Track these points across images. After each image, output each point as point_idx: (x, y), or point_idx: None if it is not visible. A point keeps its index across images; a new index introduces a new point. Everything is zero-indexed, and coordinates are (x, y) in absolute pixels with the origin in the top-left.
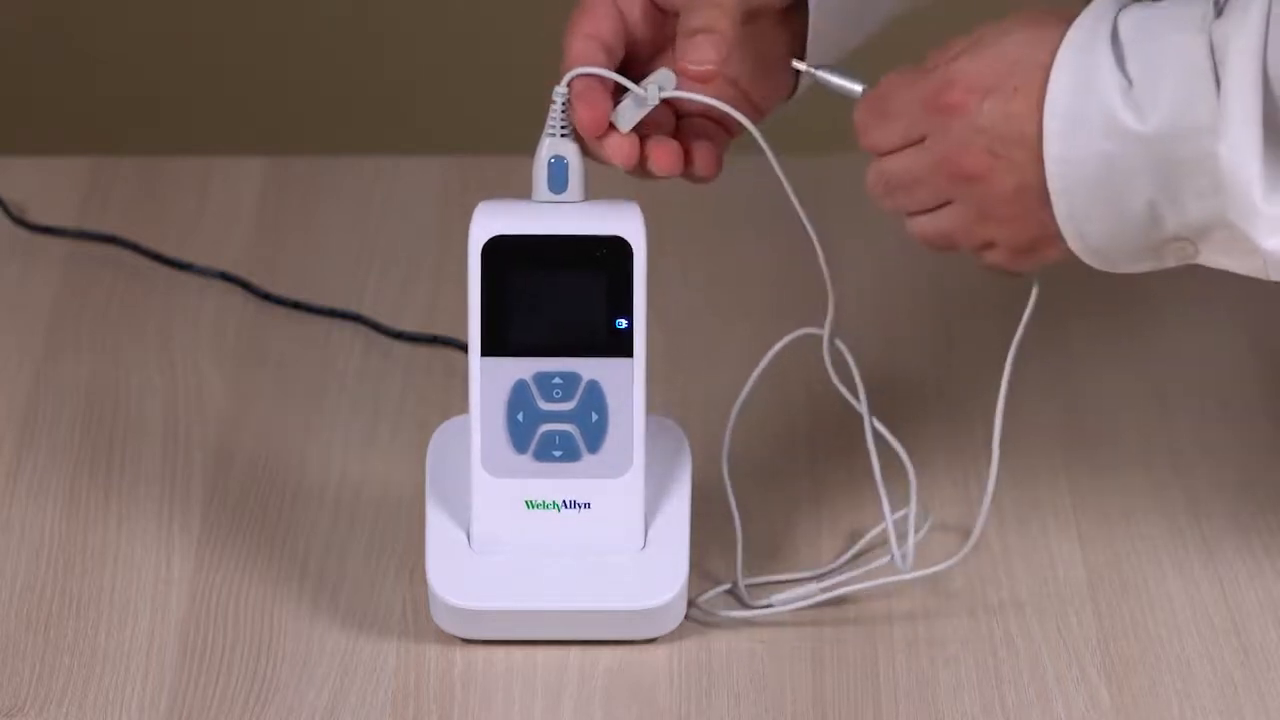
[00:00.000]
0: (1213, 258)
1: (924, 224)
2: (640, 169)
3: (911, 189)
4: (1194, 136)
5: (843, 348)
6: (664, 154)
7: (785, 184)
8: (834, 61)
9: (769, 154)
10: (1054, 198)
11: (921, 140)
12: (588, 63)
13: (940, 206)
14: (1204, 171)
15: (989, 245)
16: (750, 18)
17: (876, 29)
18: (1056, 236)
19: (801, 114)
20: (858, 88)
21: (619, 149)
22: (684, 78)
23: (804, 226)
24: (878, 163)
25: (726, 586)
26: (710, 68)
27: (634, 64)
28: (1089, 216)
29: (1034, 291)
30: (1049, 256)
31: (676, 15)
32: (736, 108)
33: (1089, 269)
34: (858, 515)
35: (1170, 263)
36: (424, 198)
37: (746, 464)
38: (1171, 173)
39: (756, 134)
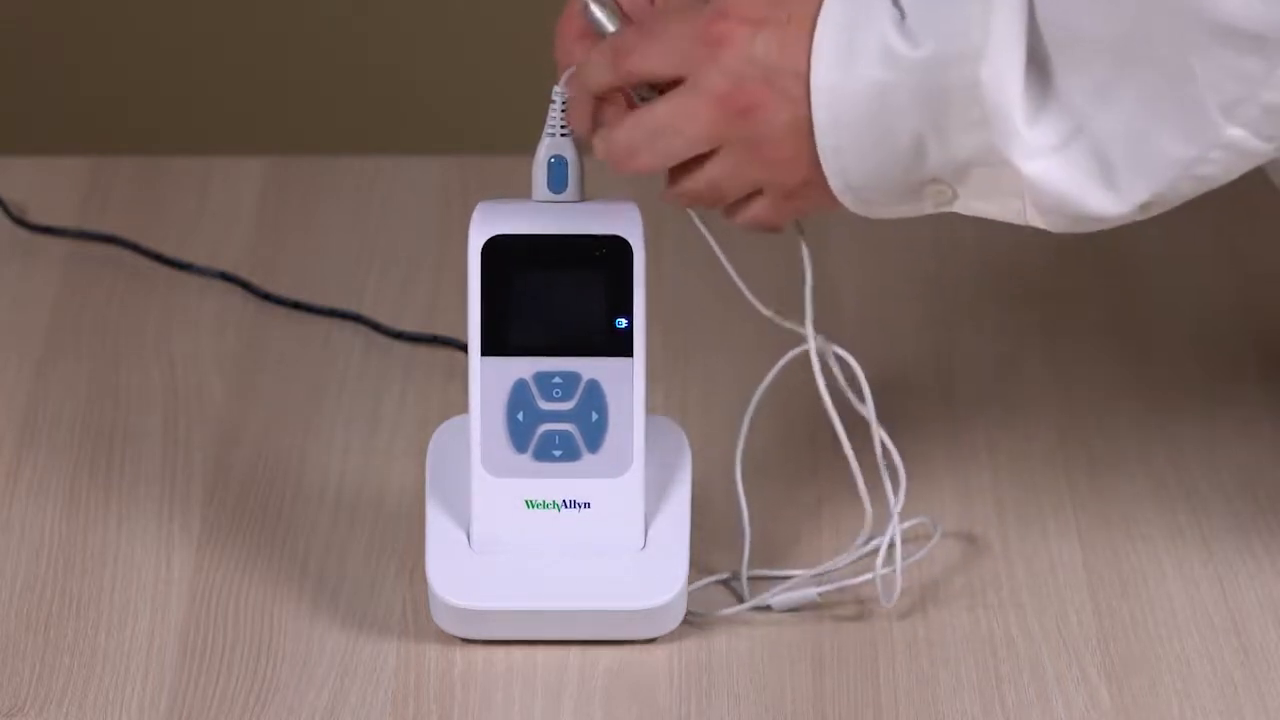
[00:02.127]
0: (971, 203)
1: (689, 181)
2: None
3: (678, 133)
4: (963, 62)
5: (847, 356)
6: None
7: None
8: None
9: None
10: (819, 131)
11: (683, 81)
12: (570, 60)
13: (706, 157)
14: (974, 101)
15: (756, 194)
16: None
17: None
18: (824, 178)
19: None
20: (611, 28)
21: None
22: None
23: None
24: (637, 111)
25: (725, 575)
26: None
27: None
28: (854, 150)
29: (806, 254)
30: (813, 201)
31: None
32: None
33: (1088, 269)
34: (859, 518)
35: (928, 208)
36: (424, 198)
37: (747, 464)
38: (941, 101)
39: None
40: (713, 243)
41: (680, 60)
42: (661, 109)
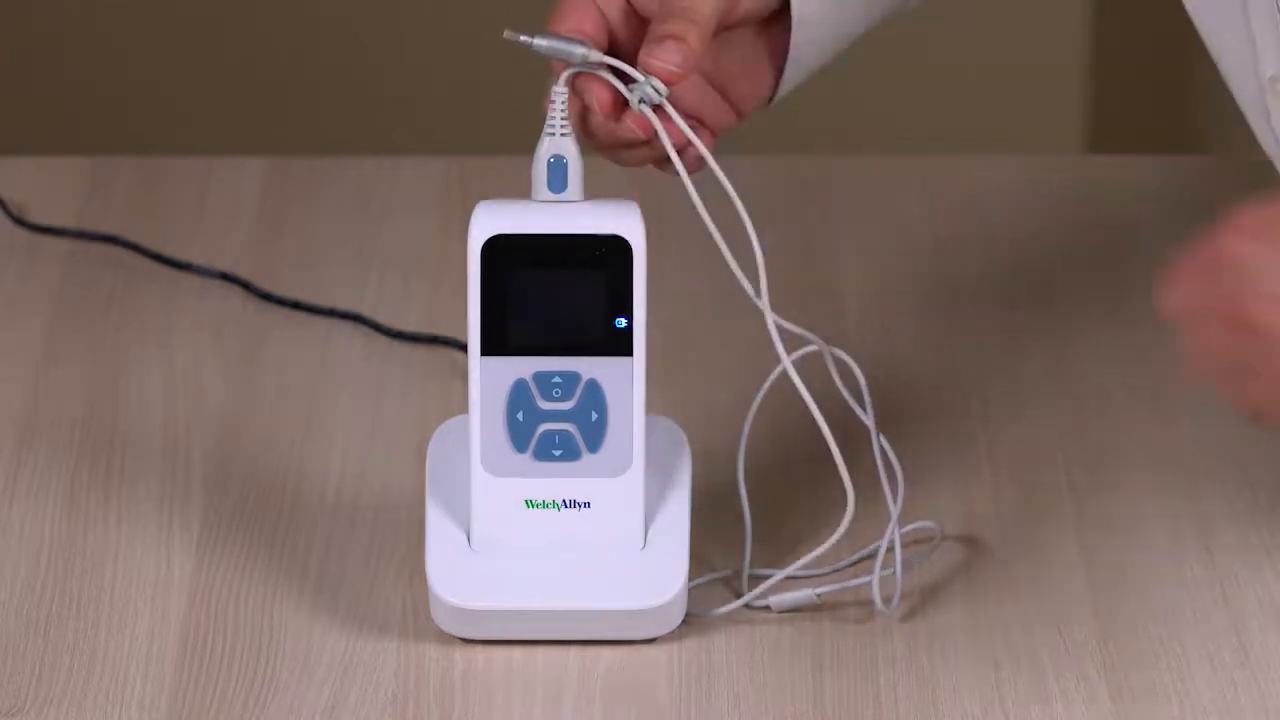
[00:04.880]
0: None
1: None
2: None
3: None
4: None
5: (848, 359)
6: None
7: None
8: (809, 73)
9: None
10: None
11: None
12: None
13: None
14: None
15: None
16: (726, 28)
17: (857, 38)
18: None
19: (802, 114)
20: (578, 50)
21: (639, 120)
22: (648, 72)
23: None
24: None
25: (726, 574)
26: (675, 69)
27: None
28: None
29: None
30: None
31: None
32: (714, 109)
33: (1089, 270)
34: (860, 520)
35: None
36: (424, 198)
37: (748, 464)
38: None
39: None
40: (722, 244)
41: (1216, 330)
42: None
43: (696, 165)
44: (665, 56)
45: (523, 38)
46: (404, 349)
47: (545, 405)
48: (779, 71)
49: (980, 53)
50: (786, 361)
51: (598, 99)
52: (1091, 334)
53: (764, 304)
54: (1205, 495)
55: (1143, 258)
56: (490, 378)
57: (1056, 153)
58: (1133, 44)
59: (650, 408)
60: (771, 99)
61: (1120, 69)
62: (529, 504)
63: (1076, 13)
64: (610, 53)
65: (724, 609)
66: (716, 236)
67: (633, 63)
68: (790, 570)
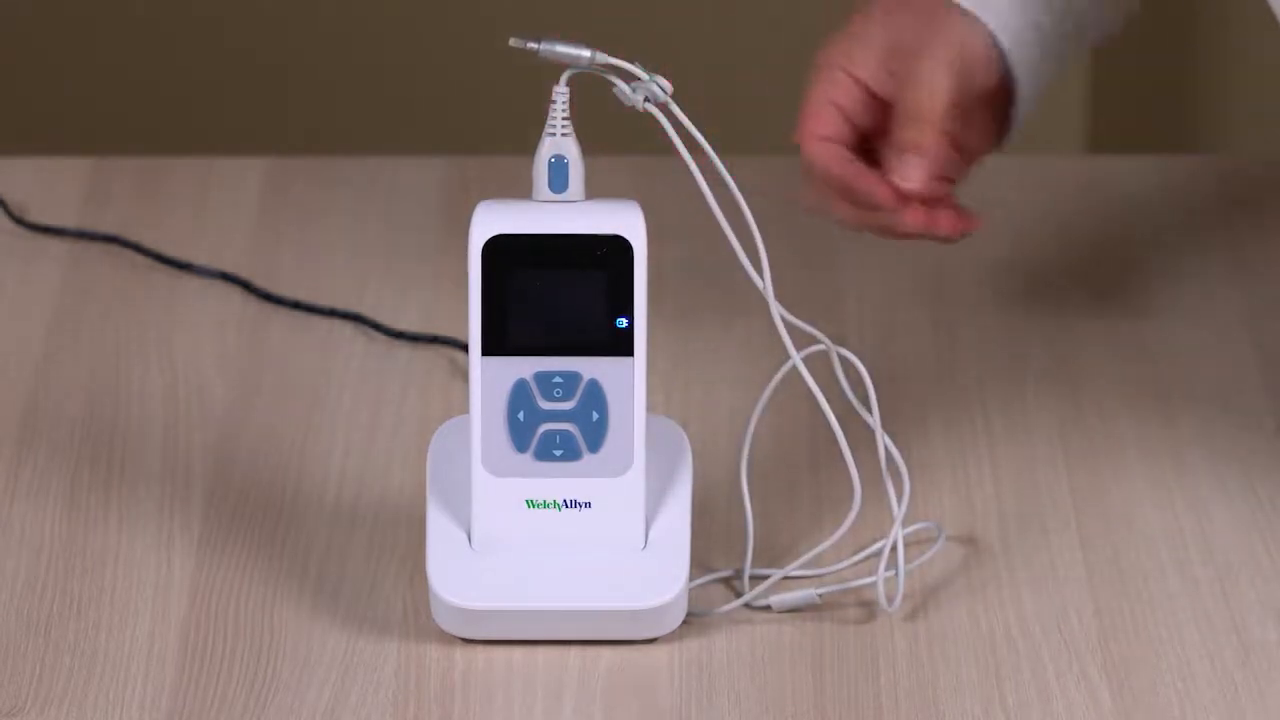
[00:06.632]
0: None
1: None
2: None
3: None
4: None
5: (853, 358)
6: (950, 220)
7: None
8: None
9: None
10: None
11: None
12: (832, 163)
13: None
14: None
15: None
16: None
17: (1067, 69)
18: None
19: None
20: (584, 54)
21: (917, 215)
22: (894, 187)
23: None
24: None
25: (727, 573)
26: (916, 187)
27: (859, 154)
28: None
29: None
30: None
31: (891, 104)
32: (952, 167)
33: (1090, 271)
34: (862, 520)
35: None
36: (424, 198)
37: (750, 464)
38: None
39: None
40: (734, 240)
41: None
42: None
43: (957, 232)
44: (907, 174)
45: (529, 44)
46: (404, 349)
47: (546, 405)
48: (1001, 124)
49: None
50: (796, 358)
51: (879, 195)
52: (1091, 334)
53: (771, 300)
54: (1205, 495)
55: (1145, 258)
56: (491, 378)
57: (1056, 153)
58: (1133, 44)
59: (651, 408)
60: (1001, 141)
61: (1120, 69)
62: (530, 504)
63: None
64: (860, 144)
65: (724, 609)
66: (728, 231)
67: (878, 151)
68: (790, 570)
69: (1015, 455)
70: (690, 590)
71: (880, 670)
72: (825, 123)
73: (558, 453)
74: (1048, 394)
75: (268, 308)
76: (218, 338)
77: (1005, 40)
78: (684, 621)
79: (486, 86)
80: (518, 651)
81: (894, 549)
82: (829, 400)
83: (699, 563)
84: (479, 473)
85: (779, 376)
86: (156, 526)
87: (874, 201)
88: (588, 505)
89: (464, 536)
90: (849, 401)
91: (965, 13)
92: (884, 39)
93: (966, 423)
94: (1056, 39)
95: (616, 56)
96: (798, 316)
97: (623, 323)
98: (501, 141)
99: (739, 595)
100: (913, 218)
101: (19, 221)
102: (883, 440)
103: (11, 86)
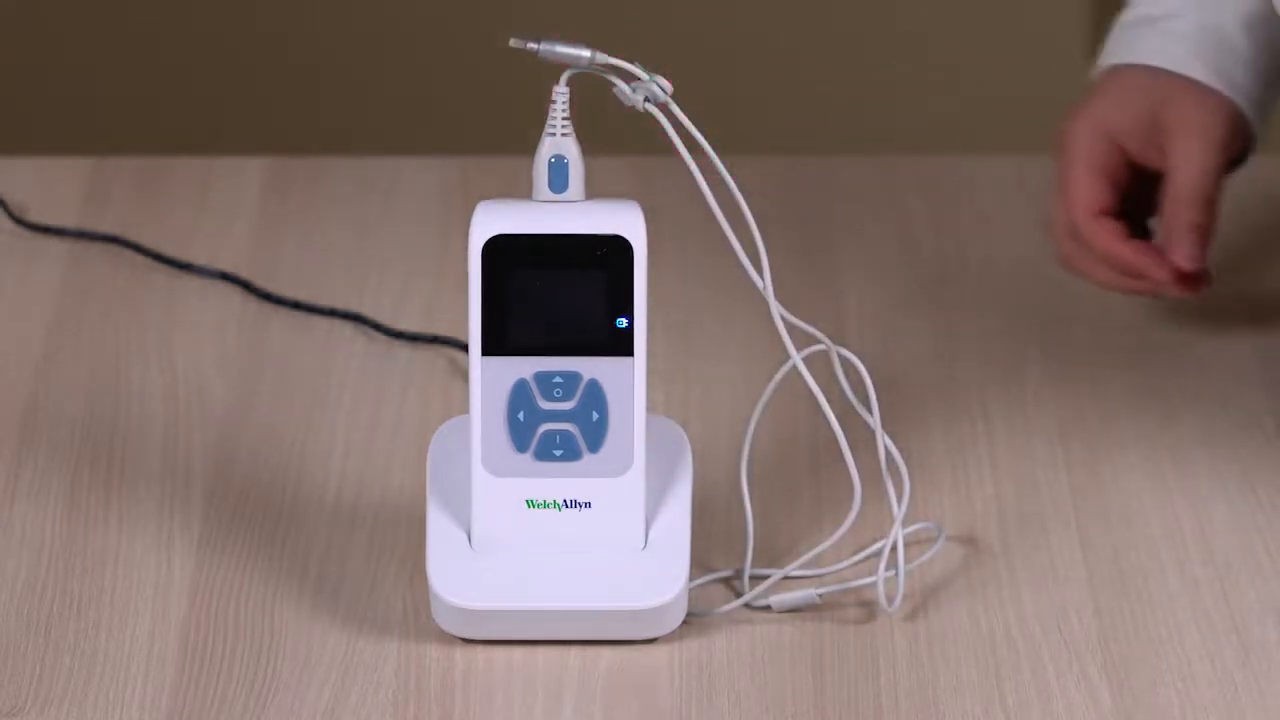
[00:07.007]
0: None
1: None
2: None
3: None
4: None
5: (854, 359)
6: (1205, 285)
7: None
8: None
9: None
10: None
11: None
12: (1113, 244)
13: None
14: None
15: None
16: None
17: None
18: None
19: (802, 114)
20: (584, 54)
21: (1184, 287)
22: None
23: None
24: None
25: (727, 573)
26: (1201, 266)
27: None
28: None
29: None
30: None
31: (1154, 173)
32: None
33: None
34: (862, 520)
35: None
36: (424, 198)
37: (750, 464)
38: None
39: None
40: (733, 240)
41: None
42: None
43: (1194, 288)
44: (1193, 256)
45: (529, 44)
46: (404, 349)
47: (546, 405)
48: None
49: (980, 52)
50: (797, 358)
51: (1159, 275)
52: (1091, 334)
53: (771, 300)
54: (1205, 495)
55: None
56: (491, 378)
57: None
58: None
59: (651, 408)
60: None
61: None
62: (530, 504)
63: (1076, 12)
64: (1120, 208)
65: (724, 609)
66: (728, 231)
67: (1144, 219)
68: (790, 570)
69: (1015, 455)
70: (690, 590)
71: (880, 670)
72: (1098, 195)
73: (558, 453)
74: (1048, 394)
75: (268, 308)
76: (218, 338)
77: (1249, 111)
78: (684, 621)
79: (486, 86)
80: (518, 651)
81: (894, 549)
82: (829, 400)
83: (699, 563)
84: (479, 473)
85: (779, 376)
86: (156, 526)
87: (1152, 278)
88: (588, 505)
89: (464, 536)
90: (849, 401)
91: (1212, 90)
92: (1141, 110)
93: (966, 423)
94: (1276, 91)
95: (616, 56)
96: (798, 316)
97: (623, 323)
98: (501, 141)
99: (739, 595)
100: (1180, 289)
101: (19, 221)
102: (883, 440)
103: (11, 86)
